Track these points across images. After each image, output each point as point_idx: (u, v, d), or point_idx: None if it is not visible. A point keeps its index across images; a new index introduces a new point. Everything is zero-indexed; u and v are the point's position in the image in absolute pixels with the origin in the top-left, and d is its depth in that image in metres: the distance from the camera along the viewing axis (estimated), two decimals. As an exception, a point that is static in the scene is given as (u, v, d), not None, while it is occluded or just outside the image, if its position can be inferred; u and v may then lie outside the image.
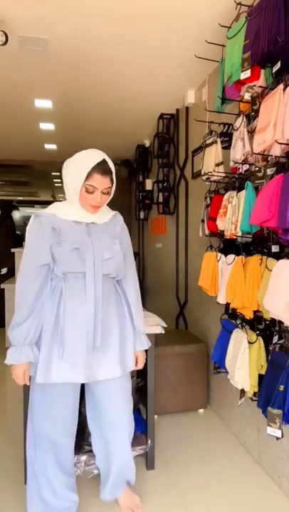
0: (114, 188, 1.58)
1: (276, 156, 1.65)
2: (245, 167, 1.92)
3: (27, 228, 1.56)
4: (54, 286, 1.53)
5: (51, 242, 1.49)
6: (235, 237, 1.95)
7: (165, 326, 2.08)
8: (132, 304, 1.68)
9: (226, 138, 2.29)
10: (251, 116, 1.82)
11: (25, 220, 13.81)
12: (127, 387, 1.72)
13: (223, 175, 2.21)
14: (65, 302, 1.50)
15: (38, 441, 1.61)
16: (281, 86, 1.54)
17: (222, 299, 2.03)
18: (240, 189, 1.96)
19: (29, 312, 1.49)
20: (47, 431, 1.59)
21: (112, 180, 1.54)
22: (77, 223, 1.55)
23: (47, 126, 4.47)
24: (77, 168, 1.50)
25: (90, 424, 1.78)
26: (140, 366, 1.73)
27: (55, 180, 10.02)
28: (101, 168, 1.49)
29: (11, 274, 4.87)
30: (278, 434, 1.55)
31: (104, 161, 1.51)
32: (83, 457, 1.96)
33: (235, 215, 1.90)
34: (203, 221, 2.52)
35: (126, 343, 1.65)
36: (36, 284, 1.50)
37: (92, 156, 1.50)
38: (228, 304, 2.04)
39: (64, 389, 1.57)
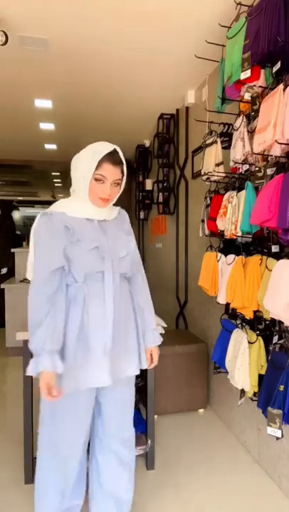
0: (124, 181, 1.52)
1: (276, 156, 1.65)
2: (245, 167, 1.92)
3: (34, 229, 1.45)
4: (74, 294, 1.44)
5: (65, 242, 1.40)
6: (235, 237, 1.95)
7: (165, 326, 2.09)
8: (146, 300, 1.66)
9: (226, 138, 2.29)
10: (251, 116, 1.82)
11: (25, 220, 13.86)
12: (132, 392, 1.68)
13: (223, 175, 2.21)
14: (88, 308, 1.43)
15: (57, 448, 1.57)
16: (281, 86, 1.54)
17: (222, 299, 2.03)
18: (240, 189, 1.96)
19: (43, 318, 1.37)
20: (70, 440, 1.55)
21: (122, 172, 1.48)
22: (89, 221, 1.47)
23: (47, 126, 4.47)
24: (88, 158, 1.43)
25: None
26: (156, 362, 1.68)
27: (55, 180, 10.02)
28: (112, 157, 1.43)
29: (11, 274, 4.87)
30: (278, 434, 1.55)
31: (115, 151, 1.45)
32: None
33: (235, 215, 1.90)
34: (203, 221, 2.52)
35: (140, 342, 1.64)
36: (50, 290, 1.38)
37: (104, 147, 1.44)
38: (228, 304, 2.04)
39: (88, 395, 1.52)
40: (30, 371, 1.37)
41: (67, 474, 1.56)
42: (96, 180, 1.43)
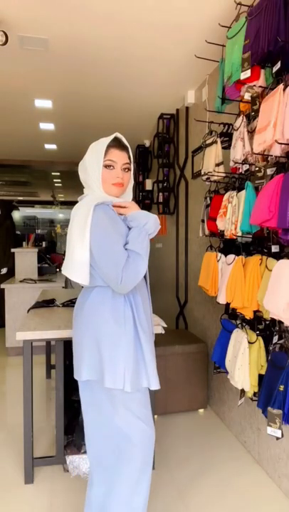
0: (132, 167, 1.53)
1: (276, 156, 1.65)
2: (245, 167, 1.92)
3: (94, 217, 1.36)
4: (121, 302, 1.43)
5: (126, 228, 1.42)
6: (235, 237, 1.95)
7: (165, 326, 2.09)
8: None
9: (226, 138, 2.29)
10: (251, 116, 1.82)
11: (25, 220, 13.87)
12: None
13: (223, 175, 2.21)
14: (138, 306, 1.44)
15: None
16: (281, 86, 1.54)
17: (222, 299, 2.03)
18: (240, 189, 1.96)
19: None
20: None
21: (129, 157, 1.50)
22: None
23: (47, 126, 4.47)
24: (94, 151, 1.46)
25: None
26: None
27: (55, 180, 10.02)
28: (117, 143, 1.47)
29: (11, 274, 4.87)
30: (278, 434, 1.55)
31: (117, 138, 1.49)
32: (79, 457, 1.96)
33: (235, 215, 1.90)
34: (203, 221, 2.52)
35: None
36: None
37: (106, 138, 1.48)
38: (228, 304, 2.04)
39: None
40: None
41: None
42: (106, 167, 1.44)
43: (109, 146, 1.45)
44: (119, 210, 1.44)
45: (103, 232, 1.36)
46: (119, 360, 1.38)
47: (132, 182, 1.56)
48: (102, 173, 1.44)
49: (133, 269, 1.33)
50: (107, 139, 1.46)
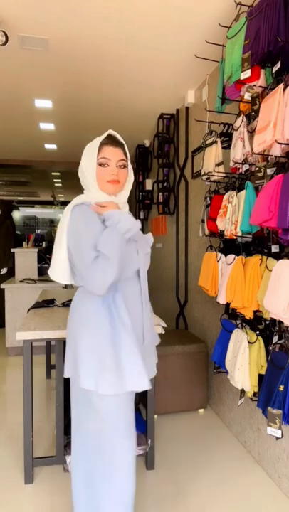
0: (129, 164, 1.49)
1: (276, 156, 1.65)
2: (245, 167, 1.92)
3: (70, 218, 1.39)
4: (108, 296, 1.40)
5: (102, 228, 1.36)
6: (235, 237, 1.95)
7: (165, 326, 2.09)
8: None
9: (226, 138, 2.29)
10: (251, 116, 1.82)
11: (25, 220, 13.86)
12: None
13: (223, 175, 2.21)
14: (122, 305, 1.40)
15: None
16: (281, 86, 1.54)
17: (222, 299, 2.03)
18: (240, 189, 1.96)
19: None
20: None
21: (125, 154, 1.46)
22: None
23: (47, 126, 4.47)
24: (89, 151, 1.45)
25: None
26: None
27: (55, 180, 10.02)
28: (110, 140, 1.44)
29: (11, 274, 4.87)
30: (278, 434, 1.55)
31: (111, 135, 1.47)
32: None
33: (235, 215, 1.90)
34: (203, 221, 2.52)
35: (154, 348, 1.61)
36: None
37: (99, 137, 1.46)
38: (228, 304, 2.04)
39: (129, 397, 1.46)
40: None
41: None
42: (101, 165, 1.41)
43: (102, 144, 1.43)
44: (98, 209, 1.40)
45: (76, 232, 1.37)
46: (92, 361, 1.36)
47: (131, 179, 1.51)
48: (97, 171, 1.42)
49: (99, 271, 1.29)
50: (101, 137, 1.45)
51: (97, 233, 1.34)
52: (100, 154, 1.42)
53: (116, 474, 1.42)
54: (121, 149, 1.45)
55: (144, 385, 1.37)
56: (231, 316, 2.19)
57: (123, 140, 1.48)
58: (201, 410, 2.89)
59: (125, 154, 1.46)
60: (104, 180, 1.42)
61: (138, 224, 1.42)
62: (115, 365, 1.35)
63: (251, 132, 1.86)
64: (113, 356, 1.35)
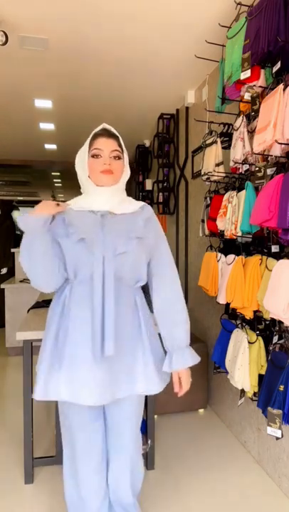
0: (126, 156, 1.43)
1: (276, 156, 1.65)
2: (245, 167, 1.92)
3: None
4: (61, 293, 1.38)
5: (60, 235, 1.33)
6: (235, 237, 1.95)
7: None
8: (172, 306, 1.45)
9: (226, 138, 2.29)
10: (251, 116, 1.82)
11: (25, 220, 13.87)
12: (137, 412, 1.51)
13: (223, 175, 2.21)
14: (69, 310, 1.34)
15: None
16: (281, 86, 1.54)
17: (222, 299, 2.03)
18: (240, 189, 1.96)
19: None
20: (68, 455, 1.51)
21: (119, 145, 1.40)
22: (92, 214, 1.37)
23: (47, 126, 4.47)
24: (82, 148, 1.43)
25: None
26: (186, 387, 1.47)
27: (55, 180, 10.02)
28: (103, 131, 1.40)
29: (11, 274, 4.87)
30: (278, 434, 1.55)
31: (104, 127, 1.43)
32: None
33: (235, 215, 1.90)
34: (203, 221, 2.51)
35: (136, 365, 1.41)
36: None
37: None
38: (228, 304, 2.04)
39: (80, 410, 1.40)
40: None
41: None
42: (93, 156, 1.37)
43: (95, 136, 1.39)
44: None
45: None
46: (39, 362, 1.38)
47: (127, 174, 1.43)
48: (90, 163, 1.37)
49: (22, 261, 1.32)
50: (94, 130, 1.42)
51: (54, 235, 1.34)
52: (93, 146, 1.38)
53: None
54: (115, 140, 1.40)
55: (87, 399, 1.30)
56: (231, 316, 2.19)
57: (116, 132, 1.43)
58: (201, 410, 2.89)
59: (120, 146, 1.40)
60: (97, 171, 1.36)
61: (25, 218, 1.28)
62: (55, 370, 1.35)
63: (251, 132, 1.86)
64: (59, 360, 1.34)
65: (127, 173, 1.43)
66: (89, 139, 1.40)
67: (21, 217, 1.28)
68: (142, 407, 1.55)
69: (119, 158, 1.39)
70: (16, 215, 5.91)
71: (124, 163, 1.42)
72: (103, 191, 1.36)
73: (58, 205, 1.30)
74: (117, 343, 1.30)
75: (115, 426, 1.48)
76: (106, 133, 1.39)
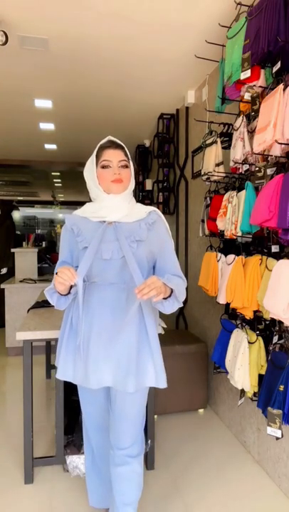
0: (132, 165, 1.55)
1: (276, 156, 1.65)
2: (245, 167, 1.92)
3: None
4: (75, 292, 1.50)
5: (72, 243, 1.53)
6: (235, 237, 1.95)
7: (165, 326, 2.08)
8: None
9: (226, 138, 2.29)
10: (251, 116, 1.82)
11: (25, 220, 13.85)
12: (138, 405, 1.56)
13: (223, 175, 2.21)
14: (84, 310, 1.48)
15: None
16: (281, 86, 1.54)
17: (222, 299, 2.03)
18: (240, 189, 1.96)
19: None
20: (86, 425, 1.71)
21: (126, 155, 1.51)
22: (99, 223, 1.47)
23: (47, 126, 4.47)
24: (90, 159, 1.53)
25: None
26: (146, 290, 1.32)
27: (55, 180, 10.02)
28: (109, 143, 1.52)
29: (11, 274, 4.87)
30: (278, 434, 1.55)
31: (110, 139, 1.53)
32: (79, 457, 1.96)
33: (235, 215, 1.90)
34: (203, 221, 2.52)
35: (141, 360, 1.48)
36: None
37: (100, 143, 1.55)
38: (228, 304, 2.04)
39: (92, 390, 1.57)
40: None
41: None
42: (103, 168, 1.48)
43: (102, 148, 1.50)
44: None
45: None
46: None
47: (132, 183, 1.52)
48: (100, 174, 1.48)
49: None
50: (101, 142, 1.53)
51: (64, 252, 1.57)
52: (101, 157, 1.48)
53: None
54: (121, 151, 1.51)
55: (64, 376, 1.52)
56: (231, 316, 2.19)
57: (122, 143, 1.53)
58: (201, 410, 2.89)
59: (126, 155, 1.52)
60: (108, 180, 1.47)
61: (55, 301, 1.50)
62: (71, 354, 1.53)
63: (251, 132, 1.86)
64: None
65: (132, 182, 1.54)
66: (96, 151, 1.51)
67: (48, 293, 1.49)
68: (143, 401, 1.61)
69: (127, 166, 1.51)
70: (16, 215, 5.92)
71: (131, 171, 1.53)
72: (114, 198, 1.47)
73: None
74: (123, 337, 1.45)
75: (118, 412, 1.57)
76: (113, 144, 1.51)
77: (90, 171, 1.51)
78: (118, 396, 1.53)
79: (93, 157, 1.50)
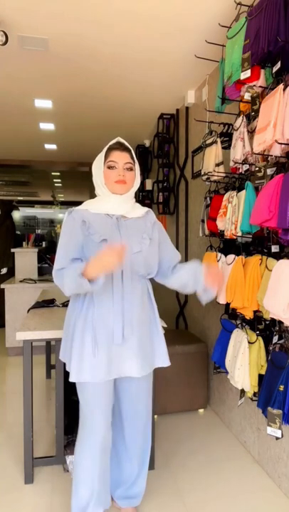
0: (137, 168, 1.63)
1: (276, 156, 1.65)
2: (245, 167, 1.92)
3: (62, 225, 1.62)
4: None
5: (82, 235, 1.54)
6: (235, 237, 1.95)
7: (165, 326, 2.08)
8: (186, 269, 1.74)
9: (226, 138, 2.29)
10: (251, 116, 1.82)
11: (25, 220, 13.85)
12: (148, 387, 1.75)
13: (223, 175, 2.21)
14: (94, 304, 1.53)
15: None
16: (281, 86, 1.54)
17: (222, 299, 2.03)
18: (240, 189, 1.96)
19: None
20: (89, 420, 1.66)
21: (132, 158, 1.60)
22: (108, 217, 1.58)
23: (47, 126, 4.47)
24: (98, 157, 1.62)
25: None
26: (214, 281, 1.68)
27: (55, 180, 10.03)
28: (117, 145, 1.60)
29: (11, 274, 4.87)
30: (278, 434, 1.55)
31: (119, 141, 1.62)
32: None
33: (235, 215, 1.90)
34: (203, 221, 2.51)
35: (153, 343, 1.67)
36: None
37: (109, 143, 1.63)
38: (228, 304, 2.04)
39: (97, 387, 1.58)
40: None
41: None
42: (109, 168, 1.57)
43: (110, 149, 1.59)
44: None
45: (60, 233, 1.61)
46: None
47: (137, 183, 1.63)
48: (106, 173, 1.57)
49: (57, 283, 1.55)
50: (109, 143, 1.61)
51: (75, 239, 1.54)
52: (108, 158, 1.58)
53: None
54: (128, 153, 1.60)
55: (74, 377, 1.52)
56: (231, 316, 2.19)
57: (129, 146, 1.62)
58: (201, 410, 2.89)
59: (132, 158, 1.61)
60: (112, 180, 1.57)
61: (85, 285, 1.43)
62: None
63: (251, 132, 1.86)
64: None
65: (137, 182, 1.64)
66: (104, 150, 1.60)
67: (75, 279, 1.43)
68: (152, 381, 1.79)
69: (132, 169, 1.60)
70: (16, 215, 5.91)
71: (136, 173, 1.63)
72: (116, 198, 1.58)
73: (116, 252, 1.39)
74: (136, 327, 1.56)
75: (133, 397, 1.70)
76: (120, 147, 1.60)
77: (97, 169, 1.60)
78: (133, 382, 1.65)
79: (102, 156, 1.59)
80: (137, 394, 1.69)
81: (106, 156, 1.58)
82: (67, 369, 1.59)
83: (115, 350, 1.53)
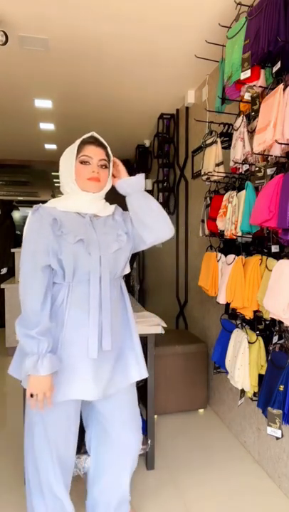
0: (111, 167, 1.50)
1: (276, 156, 1.65)
2: (245, 167, 1.92)
3: (26, 225, 1.41)
4: (57, 294, 1.39)
5: (52, 235, 1.34)
6: (235, 237, 1.95)
7: (165, 326, 2.09)
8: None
9: (226, 138, 2.29)
10: (251, 116, 1.82)
11: (25, 220, 13.86)
12: (133, 399, 1.61)
13: (223, 175, 2.21)
14: (69, 313, 1.37)
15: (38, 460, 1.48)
16: (281, 86, 1.54)
17: (222, 299, 2.03)
18: (240, 189, 1.96)
19: (39, 314, 1.32)
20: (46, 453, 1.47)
21: (107, 155, 1.47)
22: (79, 216, 1.43)
23: (47, 126, 4.47)
24: (69, 150, 1.46)
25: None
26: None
27: (55, 180, 10.01)
28: (92, 139, 1.46)
29: (11, 274, 4.87)
30: (278, 434, 1.55)
31: (93, 136, 1.48)
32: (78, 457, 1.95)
33: (235, 215, 1.90)
34: (203, 221, 2.52)
35: (133, 352, 1.54)
36: (42, 285, 1.34)
37: (82, 136, 1.49)
38: (228, 304, 2.04)
39: (66, 407, 1.45)
40: (30, 370, 1.34)
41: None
42: (82, 163, 1.43)
43: (84, 143, 1.44)
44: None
45: (24, 236, 1.39)
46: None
47: (108, 185, 1.51)
48: (78, 169, 1.43)
49: (19, 331, 1.38)
50: (83, 136, 1.47)
51: (39, 248, 1.34)
52: (82, 152, 1.43)
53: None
54: (103, 150, 1.46)
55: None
56: (231, 316, 2.19)
57: (105, 142, 1.49)
58: (201, 410, 2.89)
59: (107, 155, 1.47)
60: (84, 177, 1.43)
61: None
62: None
63: (251, 132, 1.86)
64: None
65: (110, 182, 1.52)
66: (77, 143, 1.44)
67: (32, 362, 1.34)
68: (136, 396, 1.63)
69: (106, 167, 1.47)
70: (16, 215, 5.91)
71: (110, 172, 1.50)
72: (88, 195, 1.44)
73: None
74: (112, 337, 1.41)
75: (115, 416, 1.56)
76: (96, 141, 1.46)
77: (68, 163, 1.44)
78: (111, 400, 1.51)
79: (74, 149, 1.43)
80: (114, 413, 1.57)
81: (79, 150, 1.42)
82: None
83: (94, 366, 1.40)
